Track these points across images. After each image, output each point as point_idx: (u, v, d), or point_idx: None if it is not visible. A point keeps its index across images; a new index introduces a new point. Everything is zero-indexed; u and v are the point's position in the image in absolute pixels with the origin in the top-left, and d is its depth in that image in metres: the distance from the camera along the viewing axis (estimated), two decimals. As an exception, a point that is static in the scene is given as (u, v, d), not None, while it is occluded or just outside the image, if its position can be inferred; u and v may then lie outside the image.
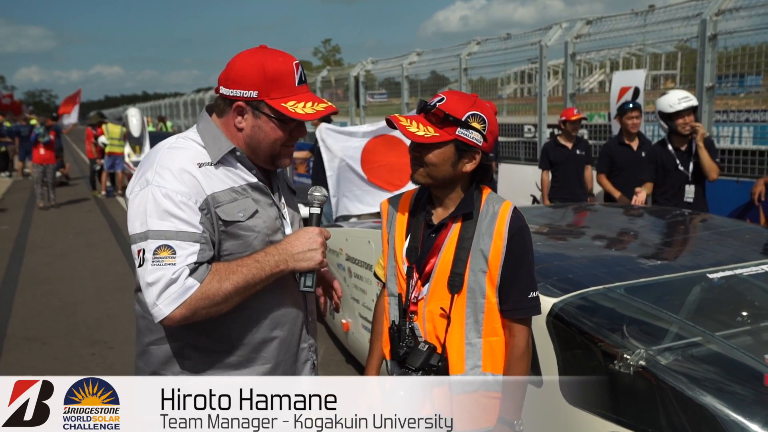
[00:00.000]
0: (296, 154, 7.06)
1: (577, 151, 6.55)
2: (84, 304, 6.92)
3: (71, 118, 16.99)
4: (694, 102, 5.20)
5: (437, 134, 1.90)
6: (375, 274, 2.24)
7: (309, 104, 1.82)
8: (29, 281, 7.96)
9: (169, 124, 23.20)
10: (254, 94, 1.79)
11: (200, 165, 1.79)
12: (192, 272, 1.70)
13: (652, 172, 5.47)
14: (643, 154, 6.07)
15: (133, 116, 15.05)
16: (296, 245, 1.81)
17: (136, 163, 14.55)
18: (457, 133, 1.90)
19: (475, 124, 1.92)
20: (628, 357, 2.20)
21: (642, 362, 2.18)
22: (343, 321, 4.63)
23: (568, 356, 2.47)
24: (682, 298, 2.68)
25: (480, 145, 1.94)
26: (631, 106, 6.13)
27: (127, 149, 14.97)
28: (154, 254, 1.69)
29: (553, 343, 2.48)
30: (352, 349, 4.72)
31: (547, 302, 2.51)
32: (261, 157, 1.89)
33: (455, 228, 1.98)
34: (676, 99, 5.18)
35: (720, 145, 6.79)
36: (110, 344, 5.67)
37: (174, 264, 1.68)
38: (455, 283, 1.94)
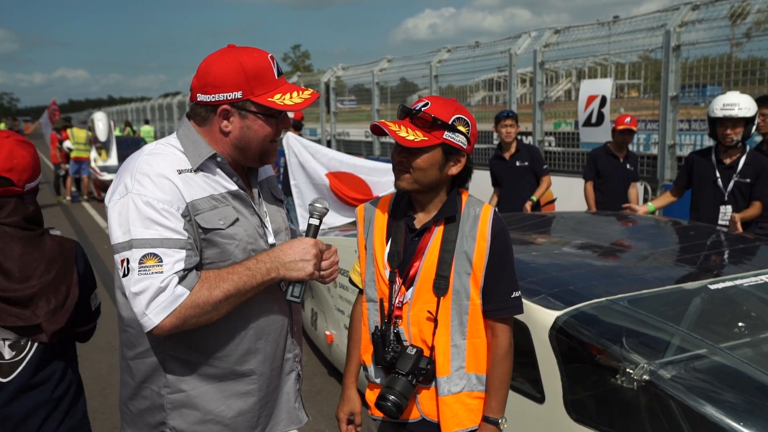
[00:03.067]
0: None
1: (627, 165, 5.94)
2: (48, 309, 6.77)
3: (44, 128, 16.72)
4: (738, 112, 4.26)
5: (426, 138, 1.90)
6: (350, 280, 2.22)
7: (295, 94, 1.80)
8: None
9: (134, 128, 22.93)
10: (238, 94, 1.75)
11: (180, 172, 1.75)
12: (181, 280, 1.66)
13: (681, 182, 4.81)
14: (518, 164, 5.97)
15: (100, 120, 14.87)
16: (289, 254, 1.78)
17: (102, 168, 14.36)
18: (444, 136, 1.91)
19: (461, 128, 1.94)
20: (634, 371, 2.18)
21: (648, 376, 2.16)
22: (327, 333, 4.54)
23: (571, 371, 2.42)
24: (685, 310, 2.67)
25: (465, 148, 1.96)
26: (505, 114, 5.99)
27: (93, 154, 14.77)
28: (139, 263, 1.64)
29: (556, 357, 2.43)
30: (336, 362, 4.60)
31: (549, 315, 2.49)
32: (250, 157, 1.85)
33: (438, 231, 1.99)
34: (720, 104, 4.33)
35: (682, 153, 6.97)
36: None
37: (161, 272, 1.64)
38: (441, 286, 1.95)
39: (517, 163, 6.03)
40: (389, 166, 6.59)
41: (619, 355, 2.30)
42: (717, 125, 4.39)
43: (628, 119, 5.86)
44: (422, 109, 1.92)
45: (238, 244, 1.79)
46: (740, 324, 2.67)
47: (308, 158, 6.68)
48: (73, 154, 14.85)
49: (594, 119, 7.47)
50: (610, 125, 7.20)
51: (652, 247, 3.54)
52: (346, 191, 6.74)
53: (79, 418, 2.10)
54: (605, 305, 2.55)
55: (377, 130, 1.96)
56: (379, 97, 12.30)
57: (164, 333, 1.67)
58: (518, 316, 2.58)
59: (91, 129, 14.96)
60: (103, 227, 11.72)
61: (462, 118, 1.94)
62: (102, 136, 14.67)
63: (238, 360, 1.84)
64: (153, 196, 1.68)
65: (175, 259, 1.66)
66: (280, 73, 1.82)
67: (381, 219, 2.09)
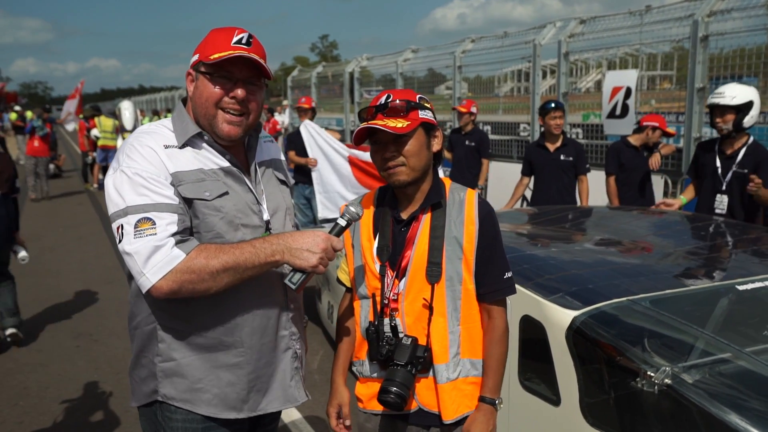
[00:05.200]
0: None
1: (645, 156, 5.87)
2: (71, 296, 6.88)
3: (69, 107, 16.85)
4: (721, 100, 4.44)
5: (409, 122, 1.92)
6: (338, 280, 2.21)
7: (230, 52, 1.82)
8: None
9: (164, 117, 23.10)
10: (195, 57, 1.87)
11: (166, 147, 1.85)
12: (178, 243, 1.74)
13: (692, 174, 4.92)
14: (562, 157, 5.81)
15: (126, 109, 15.04)
16: (298, 241, 1.82)
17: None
18: (420, 116, 1.95)
19: (426, 104, 1.99)
20: (655, 374, 2.10)
21: (670, 380, 2.08)
22: None
23: (589, 373, 2.36)
24: (711, 312, 2.56)
25: (436, 122, 2.02)
26: (553, 105, 5.82)
27: (120, 142, 14.94)
28: (135, 227, 1.73)
29: (573, 359, 2.37)
30: None
31: (566, 315, 2.41)
32: (203, 123, 1.89)
33: (426, 219, 2.00)
34: (713, 93, 4.60)
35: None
36: (95, 337, 5.64)
37: (155, 234, 1.72)
38: (433, 273, 1.95)
39: (562, 157, 5.84)
40: None
41: (640, 358, 2.22)
42: (711, 113, 4.61)
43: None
44: (389, 101, 1.95)
45: (223, 216, 1.85)
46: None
47: (326, 145, 6.72)
48: (100, 142, 15.07)
49: (618, 111, 7.30)
50: (635, 117, 7.05)
51: (677, 245, 3.41)
52: (367, 181, 6.75)
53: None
54: (626, 305, 2.45)
55: (360, 138, 1.98)
56: (403, 87, 12.19)
57: (162, 295, 1.74)
58: (534, 316, 2.53)
59: (118, 118, 15.13)
60: (128, 215, 11.83)
61: (422, 97, 2.00)
62: (128, 124, 14.83)
63: (224, 331, 1.89)
64: (141, 168, 1.79)
65: (167, 222, 1.74)
66: (240, 43, 1.85)
67: (366, 215, 2.09)
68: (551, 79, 10.14)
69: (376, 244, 2.04)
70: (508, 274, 2.02)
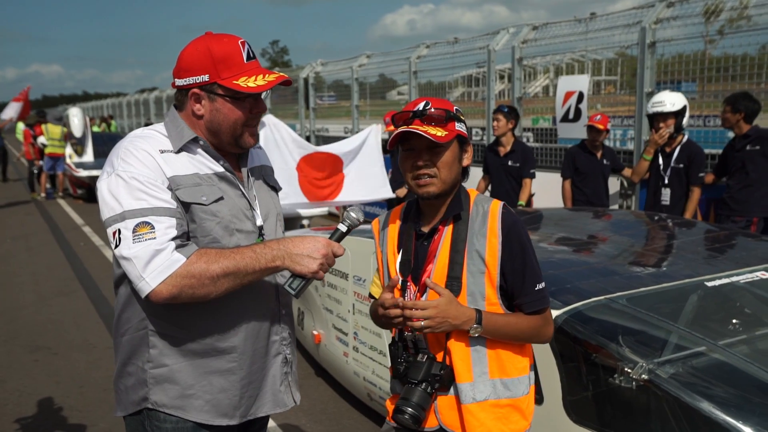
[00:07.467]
0: None
1: (605, 161, 6.03)
2: (25, 309, 6.67)
3: (9, 112, 16.06)
4: (670, 107, 5.22)
5: (447, 132, 1.86)
6: (370, 294, 2.17)
7: (260, 77, 1.85)
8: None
9: (113, 123, 22.56)
10: (206, 77, 1.82)
11: (162, 151, 1.83)
12: (178, 248, 1.72)
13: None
14: (510, 163, 6.09)
15: (75, 116, 14.61)
16: (298, 247, 1.81)
17: (78, 165, 14.11)
18: (457, 128, 1.90)
19: (462, 117, 1.94)
20: (633, 370, 2.14)
21: (647, 375, 2.13)
22: (315, 332, 4.45)
23: (570, 371, 2.39)
24: (683, 307, 2.63)
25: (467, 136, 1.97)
26: (496, 108, 6.12)
27: (69, 150, 14.53)
28: (133, 232, 1.70)
29: (555, 358, 2.40)
30: (324, 362, 4.54)
31: None
32: (225, 141, 1.91)
33: (447, 231, 1.93)
34: (651, 103, 5.40)
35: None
36: (54, 350, 5.49)
37: (155, 238, 1.70)
38: (453, 288, 1.88)
39: (510, 162, 6.09)
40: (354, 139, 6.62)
41: (618, 355, 2.28)
42: (652, 120, 5.39)
43: (598, 117, 5.98)
44: (428, 108, 1.88)
45: (219, 221, 1.84)
46: (735, 321, 2.67)
47: (282, 143, 6.84)
48: (47, 150, 14.64)
49: (571, 115, 7.50)
50: (587, 121, 7.28)
51: (648, 244, 3.54)
52: (313, 175, 6.85)
53: None
54: (604, 304, 2.52)
55: (394, 142, 1.89)
56: (358, 93, 12.25)
57: (161, 300, 1.71)
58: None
59: (66, 125, 14.72)
60: (79, 224, 11.55)
61: (458, 109, 1.95)
62: (77, 131, 14.42)
63: (219, 336, 1.88)
64: (138, 172, 1.76)
65: (166, 225, 1.72)
66: (250, 58, 1.87)
67: (393, 229, 2.06)
68: (501, 84, 10.35)
69: (399, 258, 1.99)
70: (540, 285, 1.92)
